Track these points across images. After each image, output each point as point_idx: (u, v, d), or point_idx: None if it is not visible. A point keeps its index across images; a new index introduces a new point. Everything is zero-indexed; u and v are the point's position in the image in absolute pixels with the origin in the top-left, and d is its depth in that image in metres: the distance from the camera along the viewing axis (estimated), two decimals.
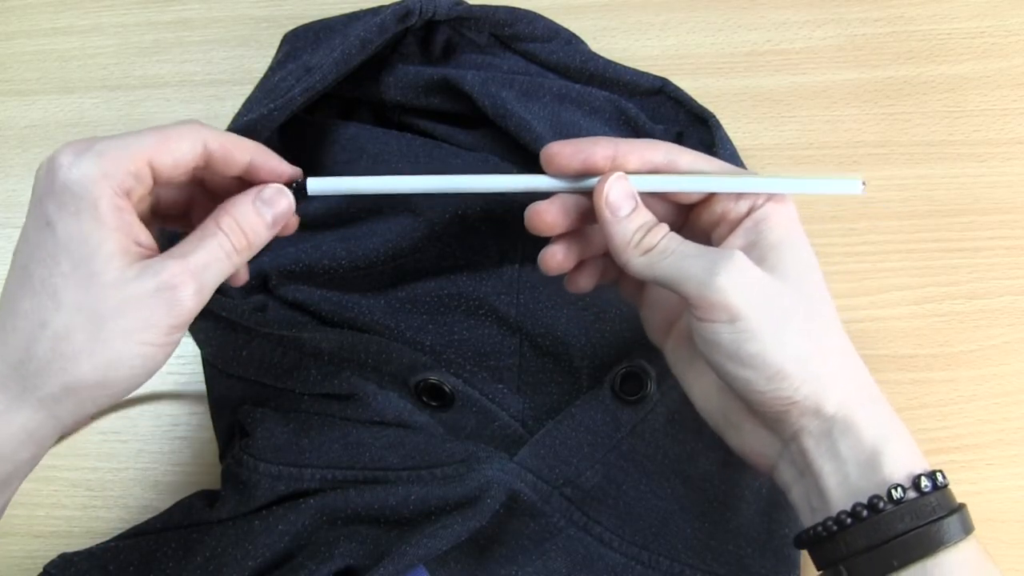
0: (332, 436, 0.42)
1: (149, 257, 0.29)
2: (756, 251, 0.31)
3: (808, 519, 0.31)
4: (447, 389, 0.43)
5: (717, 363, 0.31)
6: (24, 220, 0.29)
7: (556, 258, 0.34)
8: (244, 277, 0.35)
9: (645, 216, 0.32)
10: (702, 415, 0.35)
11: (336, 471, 0.41)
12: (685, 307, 0.31)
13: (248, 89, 0.47)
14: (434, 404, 0.43)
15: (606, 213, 0.31)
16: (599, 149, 0.32)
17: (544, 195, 0.34)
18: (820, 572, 0.31)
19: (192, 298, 0.29)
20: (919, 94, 0.52)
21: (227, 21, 0.56)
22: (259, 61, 0.49)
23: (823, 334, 0.31)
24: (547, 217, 0.33)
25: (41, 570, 0.38)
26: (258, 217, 0.32)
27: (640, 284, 0.36)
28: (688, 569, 0.40)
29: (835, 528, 0.29)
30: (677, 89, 0.47)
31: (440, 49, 0.47)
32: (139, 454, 0.47)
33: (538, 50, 0.47)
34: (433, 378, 0.42)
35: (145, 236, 0.30)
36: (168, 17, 0.56)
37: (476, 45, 0.47)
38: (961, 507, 0.29)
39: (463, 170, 0.44)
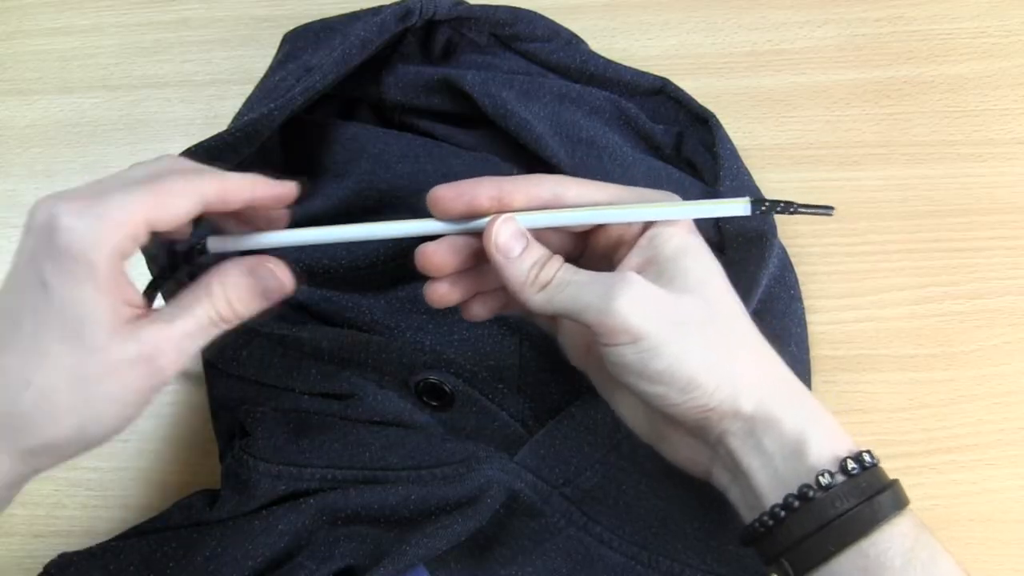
0: (332, 436, 0.42)
1: (137, 316, 0.30)
2: (654, 267, 0.32)
3: (748, 518, 0.32)
4: (447, 389, 0.42)
5: (629, 383, 0.31)
6: (14, 265, 0.29)
7: (438, 292, 0.35)
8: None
9: (537, 253, 0.32)
10: (633, 432, 0.35)
11: (336, 471, 0.41)
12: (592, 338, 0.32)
13: (249, 89, 0.47)
14: (434, 404, 0.43)
15: (497, 256, 0.32)
16: (482, 190, 0.32)
17: None
18: (767, 568, 0.31)
19: (171, 366, 0.30)
20: (919, 94, 0.52)
21: (228, 21, 0.56)
22: (260, 61, 0.49)
23: (729, 336, 0.31)
24: (435, 259, 0.34)
25: (41, 570, 0.38)
26: (250, 292, 0.32)
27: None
28: (688, 569, 0.40)
29: (771, 522, 0.30)
30: (677, 89, 0.47)
31: (440, 49, 0.47)
32: (139, 454, 0.47)
33: (538, 50, 0.47)
34: (433, 378, 0.42)
35: (134, 293, 0.30)
36: (169, 17, 0.56)
37: (476, 45, 0.47)
38: (893, 483, 0.30)
39: (463, 170, 0.44)
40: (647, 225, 0.33)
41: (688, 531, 0.41)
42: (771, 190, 0.49)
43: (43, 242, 0.28)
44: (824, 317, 0.47)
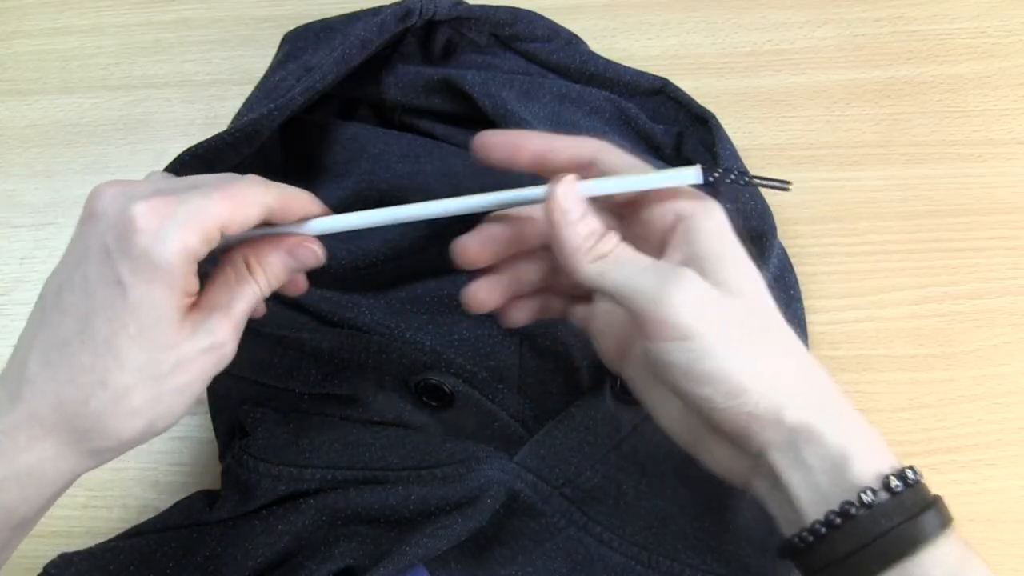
0: (332, 436, 0.42)
1: (194, 304, 0.30)
2: (695, 264, 0.31)
3: (787, 531, 0.31)
4: (447, 389, 0.42)
5: (674, 383, 0.30)
6: (76, 256, 0.29)
7: (478, 297, 0.34)
8: (262, 310, 0.36)
9: (595, 223, 0.31)
10: (670, 437, 0.35)
11: (336, 471, 0.41)
12: (635, 328, 0.31)
13: (248, 89, 0.47)
14: (434, 404, 0.43)
15: (556, 215, 0.31)
16: (528, 141, 0.32)
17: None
18: None
19: (233, 349, 0.31)
20: (919, 94, 0.52)
21: (227, 21, 0.56)
22: (259, 61, 0.49)
23: (776, 344, 0.31)
24: (472, 248, 0.33)
25: (41, 570, 0.38)
26: (287, 271, 0.33)
27: (588, 313, 0.36)
28: (688, 569, 0.40)
29: (811, 538, 0.29)
30: (677, 89, 0.47)
31: (440, 49, 0.47)
32: (139, 454, 0.47)
33: (538, 50, 0.47)
34: (433, 378, 0.42)
35: (194, 284, 0.30)
36: (168, 17, 0.56)
37: (476, 45, 0.47)
38: (935, 501, 0.29)
39: (463, 170, 0.44)
40: (678, 217, 0.32)
41: (688, 531, 0.41)
42: (771, 190, 0.49)
43: (119, 241, 0.28)
44: (824, 317, 0.47)
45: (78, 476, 0.30)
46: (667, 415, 0.34)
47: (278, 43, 0.49)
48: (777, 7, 0.54)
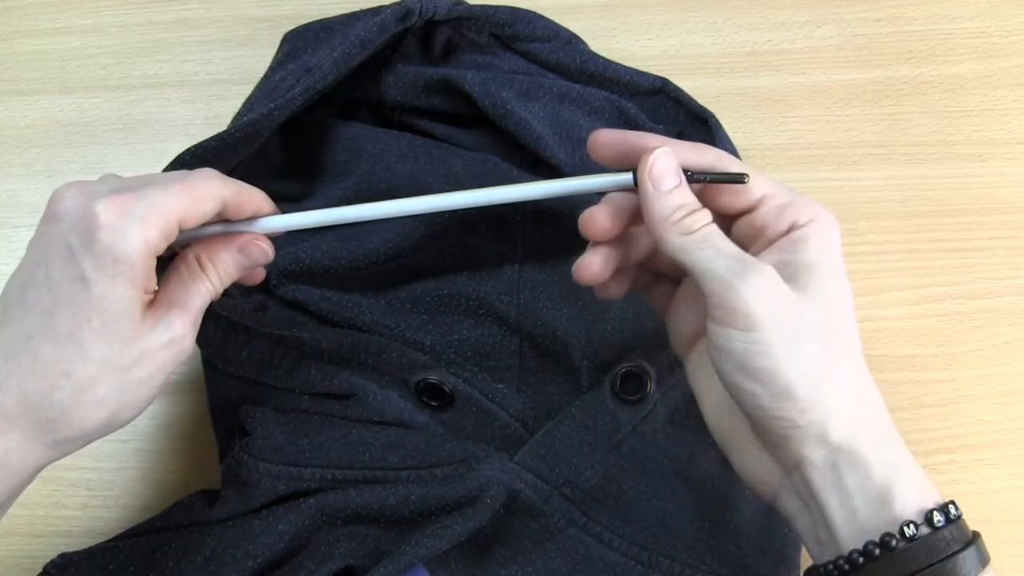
0: (332, 436, 0.42)
1: (152, 300, 0.32)
2: (789, 269, 0.31)
3: (816, 552, 0.31)
4: (447, 389, 0.43)
5: (726, 372, 0.30)
6: (38, 254, 0.30)
7: (591, 268, 0.34)
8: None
9: (687, 197, 0.31)
10: (711, 432, 0.35)
11: (336, 471, 0.41)
12: (706, 311, 0.31)
13: (248, 89, 0.47)
14: (434, 404, 0.43)
15: (648, 185, 0.31)
16: (646, 142, 0.32)
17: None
18: None
19: (192, 343, 0.33)
20: (919, 94, 0.52)
21: (227, 21, 0.56)
22: (259, 61, 0.49)
23: (839, 362, 0.30)
24: (600, 221, 0.34)
25: (41, 570, 0.38)
26: (238, 268, 0.34)
27: (669, 295, 0.37)
28: (688, 569, 0.40)
29: (846, 567, 0.29)
30: (677, 89, 0.47)
31: (440, 49, 0.47)
32: (139, 454, 0.47)
33: (538, 50, 0.47)
34: (433, 378, 0.42)
35: (153, 281, 0.31)
36: (168, 17, 0.56)
37: (476, 45, 0.47)
38: (975, 538, 0.29)
39: (463, 170, 0.44)
40: (792, 227, 0.32)
41: (688, 531, 0.41)
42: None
43: (83, 239, 0.29)
44: None
45: (42, 468, 0.31)
46: (714, 410, 0.34)
47: (278, 43, 0.49)
48: (777, 7, 0.54)
